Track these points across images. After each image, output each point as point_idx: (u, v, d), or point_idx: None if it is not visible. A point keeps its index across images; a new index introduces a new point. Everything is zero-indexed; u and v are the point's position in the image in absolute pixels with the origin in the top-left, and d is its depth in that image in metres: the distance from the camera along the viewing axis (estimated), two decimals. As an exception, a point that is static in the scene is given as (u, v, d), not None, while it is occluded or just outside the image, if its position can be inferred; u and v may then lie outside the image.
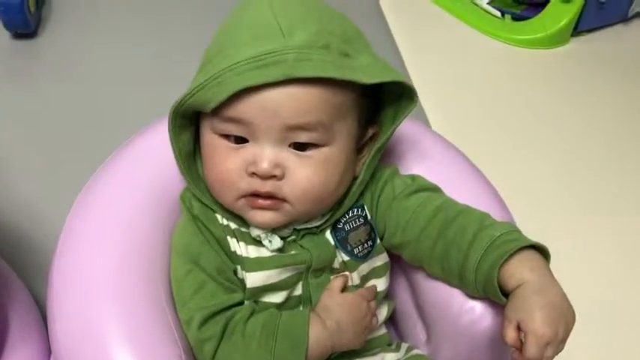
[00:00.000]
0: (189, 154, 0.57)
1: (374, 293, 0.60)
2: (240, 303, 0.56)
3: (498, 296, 0.52)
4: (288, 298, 0.58)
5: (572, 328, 0.49)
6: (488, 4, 1.44)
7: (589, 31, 1.44)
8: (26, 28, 1.19)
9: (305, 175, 0.52)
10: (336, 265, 0.59)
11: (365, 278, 0.61)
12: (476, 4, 1.45)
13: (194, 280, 0.55)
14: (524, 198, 1.05)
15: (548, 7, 1.38)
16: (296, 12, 0.52)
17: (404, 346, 0.65)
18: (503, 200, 0.65)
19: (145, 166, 0.60)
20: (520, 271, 0.51)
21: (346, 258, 0.59)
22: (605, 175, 1.16)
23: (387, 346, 0.65)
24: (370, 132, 0.58)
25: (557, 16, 1.37)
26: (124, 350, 0.51)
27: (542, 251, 0.53)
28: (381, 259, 0.62)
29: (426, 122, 1.17)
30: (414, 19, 1.44)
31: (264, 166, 0.51)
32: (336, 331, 0.55)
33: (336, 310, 0.56)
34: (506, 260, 0.52)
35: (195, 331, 0.54)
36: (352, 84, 0.51)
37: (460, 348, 0.60)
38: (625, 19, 1.48)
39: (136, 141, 0.63)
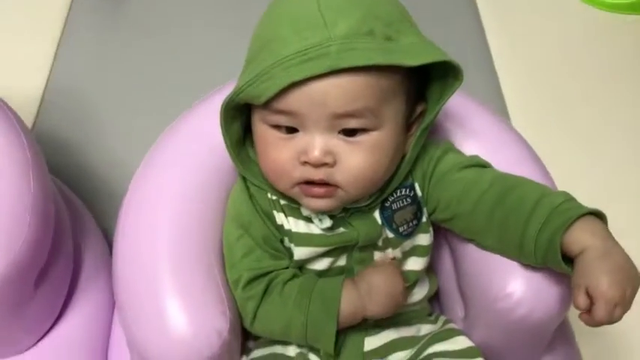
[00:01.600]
0: (240, 140, 0.59)
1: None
2: (285, 268, 0.60)
3: (559, 263, 0.53)
4: (330, 268, 0.61)
5: (638, 288, 0.51)
6: (580, -39, 1.36)
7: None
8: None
9: (356, 161, 0.53)
10: (380, 242, 0.61)
11: (407, 254, 0.63)
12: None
13: (244, 245, 0.59)
14: (606, 169, 1.02)
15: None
16: (341, 2, 0.52)
17: (442, 318, 0.67)
18: (554, 181, 0.65)
19: (205, 135, 0.63)
20: (582, 236, 0.52)
21: (391, 235, 0.61)
22: None
23: (427, 316, 0.67)
24: (419, 109, 0.58)
25: (655, -22, 1.28)
26: (173, 300, 0.56)
27: (600, 217, 0.54)
28: (425, 239, 0.63)
29: (499, 91, 1.14)
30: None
31: (316, 154, 0.53)
32: (367, 292, 0.58)
33: (370, 274, 0.59)
34: (568, 227, 0.52)
35: (241, 289, 0.58)
36: (397, 67, 0.51)
37: (493, 331, 0.61)
38: None
39: (198, 109, 0.66)
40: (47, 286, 0.66)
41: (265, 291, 0.58)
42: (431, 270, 0.69)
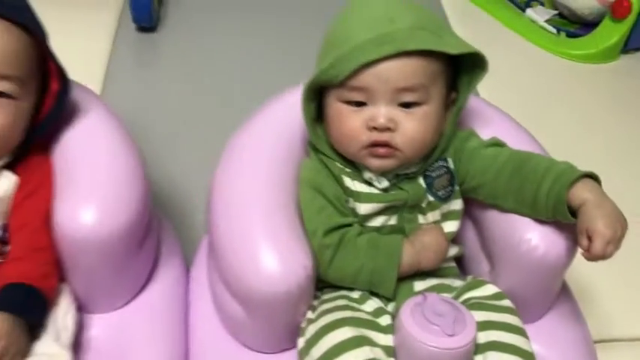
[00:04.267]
0: (314, 119, 0.75)
1: None
2: (350, 224, 0.74)
3: (565, 214, 0.69)
4: (384, 225, 0.76)
5: (626, 231, 0.67)
6: (545, 21, 1.61)
7: (638, 49, 1.59)
8: (149, 23, 1.42)
9: (412, 127, 0.70)
10: (423, 204, 0.77)
11: (444, 217, 0.78)
12: (534, 22, 1.62)
13: (317, 204, 0.73)
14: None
15: (601, 25, 1.53)
16: (398, 7, 0.70)
17: (469, 277, 0.81)
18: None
19: (283, 120, 0.80)
20: (582, 192, 0.69)
21: (431, 199, 0.77)
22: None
23: (458, 277, 0.82)
24: (452, 96, 0.75)
25: (608, 34, 1.53)
26: (265, 241, 0.70)
27: (596, 179, 0.71)
28: (457, 204, 0.79)
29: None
30: (477, 34, 1.61)
31: (382, 121, 0.69)
32: (421, 249, 0.73)
33: (422, 235, 0.75)
34: (571, 184, 0.69)
35: (320, 238, 0.72)
36: (442, 55, 0.69)
37: (516, 275, 0.76)
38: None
39: (276, 101, 0.83)
40: (144, 250, 0.78)
41: (340, 242, 0.72)
42: (457, 238, 0.84)
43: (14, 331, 0.62)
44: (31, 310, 0.66)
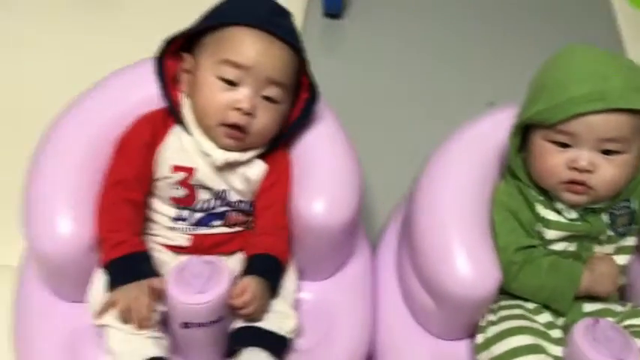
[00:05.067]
0: (517, 149, 0.86)
1: None
2: (535, 246, 0.85)
3: None
4: (565, 251, 0.87)
5: None
6: None
7: None
8: (338, 10, 1.55)
9: (609, 172, 0.80)
10: (602, 237, 0.87)
11: (617, 250, 0.88)
12: None
13: (510, 225, 0.85)
14: None
15: None
16: (611, 64, 0.80)
17: (629, 304, 0.91)
18: None
19: (483, 140, 0.92)
20: None
21: (611, 233, 0.86)
22: None
23: (618, 302, 0.91)
24: None
25: None
26: (463, 251, 0.82)
27: None
28: (632, 241, 0.88)
29: None
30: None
31: (584, 164, 0.80)
32: (599, 276, 0.84)
33: (600, 264, 0.85)
34: None
35: (510, 255, 0.84)
36: None
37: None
38: None
39: (481, 121, 0.95)
40: (353, 235, 0.94)
41: (526, 260, 0.84)
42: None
43: (265, 293, 0.80)
44: (275, 277, 0.84)
